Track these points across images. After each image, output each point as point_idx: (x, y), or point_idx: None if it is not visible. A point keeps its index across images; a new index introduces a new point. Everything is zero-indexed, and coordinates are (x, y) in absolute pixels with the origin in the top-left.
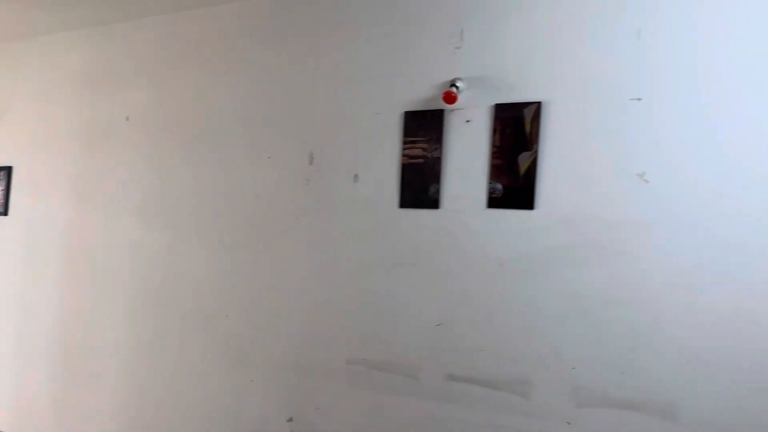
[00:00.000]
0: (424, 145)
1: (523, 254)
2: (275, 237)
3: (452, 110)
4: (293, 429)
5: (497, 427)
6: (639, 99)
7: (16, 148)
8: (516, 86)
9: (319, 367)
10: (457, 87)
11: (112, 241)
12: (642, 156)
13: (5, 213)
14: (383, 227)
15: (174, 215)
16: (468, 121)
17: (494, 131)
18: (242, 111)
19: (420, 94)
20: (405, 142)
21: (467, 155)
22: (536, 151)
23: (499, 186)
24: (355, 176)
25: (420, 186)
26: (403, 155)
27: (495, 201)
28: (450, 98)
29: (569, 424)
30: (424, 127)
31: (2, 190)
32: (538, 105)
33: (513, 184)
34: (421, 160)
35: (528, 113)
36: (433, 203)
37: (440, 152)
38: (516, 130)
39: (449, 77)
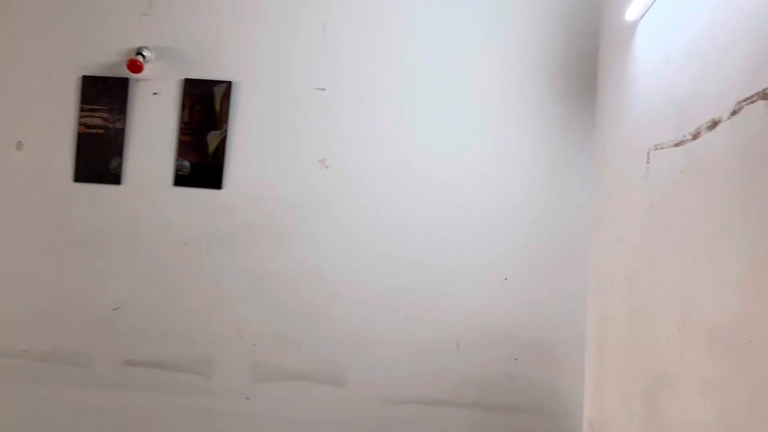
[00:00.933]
0: (105, 115)
1: (209, 233)
2: None
3: (138, 80)
4: None
5: (178, 410)
6: (323, 89)
7: None
8: (207, 63)
9: None
10: (143, 56)
11: None
12: (324, 143)
13: None
14: (53, 203)
15: None
16: (156, 93)
17: (183, 107)
18: None
19: (102, 59)
20: (83, 110)
21: (154, 129)
22: (225, 131)
23: (187, 163)
24: (18, 143)
25: (99, 159)
26: (80, 124)
27: (182, 179)
28: (135, 67)
29: (248, 399)
30: (105, 96)
31: None
32: (228, 84)
33: (201, 162)
34: (101, 131)
35: (218, 92)
36: (114, 178)
37: (123, 123)
38: (206, 108)
39: (135, 44)
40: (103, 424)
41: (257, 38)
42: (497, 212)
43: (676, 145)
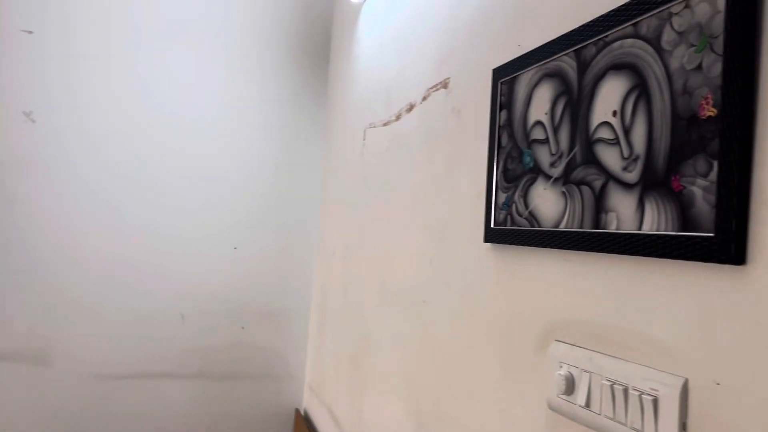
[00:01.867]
0: None
1: None
2: None
3: None
4: None
5: None
6: (30, 32)
7: None
8: None
9: None
10: None
11: None
12: (30, 94)
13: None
14: None
15: None
16: None
17: None
18: None
19: None
20: None
21: None
22: None
23: None
24: None
25: None
26: None
27: None
28: None
29: None
30: None
31: None
32: None
33: None
34: None
35: None
36: None
37: None
38: None
39: None
40: None
41: None
42: (228, 181)
43: (385, 125)
